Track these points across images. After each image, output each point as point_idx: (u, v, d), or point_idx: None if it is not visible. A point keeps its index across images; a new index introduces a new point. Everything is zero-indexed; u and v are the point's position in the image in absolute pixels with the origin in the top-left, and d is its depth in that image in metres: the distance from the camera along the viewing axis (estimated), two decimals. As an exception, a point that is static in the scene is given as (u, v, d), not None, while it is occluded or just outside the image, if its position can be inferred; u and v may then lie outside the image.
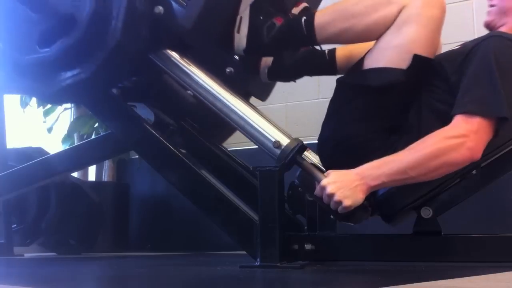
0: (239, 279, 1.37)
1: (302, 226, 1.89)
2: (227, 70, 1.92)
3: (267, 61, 1.96)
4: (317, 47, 1.88)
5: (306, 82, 2.55)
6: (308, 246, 1.70)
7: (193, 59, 1.85)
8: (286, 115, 3.14)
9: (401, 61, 1.60)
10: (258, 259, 1.62)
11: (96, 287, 1.32)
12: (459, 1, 2.76)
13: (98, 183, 3.31)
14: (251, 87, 2.04)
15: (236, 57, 1.93)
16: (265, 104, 2.24)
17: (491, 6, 1.76)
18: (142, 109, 2.05)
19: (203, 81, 1.79)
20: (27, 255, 2.57)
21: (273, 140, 1.65)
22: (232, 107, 1.73)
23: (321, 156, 1.75)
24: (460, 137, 1.50)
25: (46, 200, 2.67)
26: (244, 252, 1.75)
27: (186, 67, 1.82)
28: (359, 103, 1.66)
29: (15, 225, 2.63)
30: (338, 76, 1.82)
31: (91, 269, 1.85)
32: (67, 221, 2.73)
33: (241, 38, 1.80)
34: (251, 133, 1.70)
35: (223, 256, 2.51)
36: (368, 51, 1.68)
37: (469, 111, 1.51)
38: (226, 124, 1.78)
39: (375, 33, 1.66)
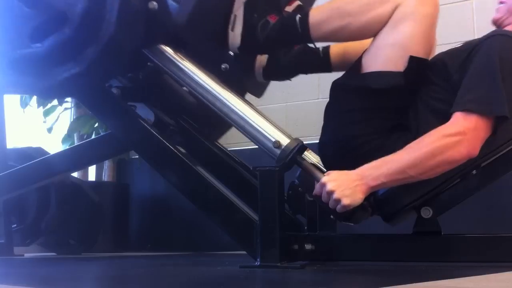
0: (239, 279, 1.36)
1: (302, 226, 1.89)
2: (222, 66, 1.93)
3: (262, 61, 1.96)
4: (311, 45, 1.88)
5: (306, 82, 2.55)
6: (308, 246, 1.70)
7: (188, 55, 1.86)
8: (286, 115, 3.14)
9: (398, 62, 1.61)
10: (258, 259, 1.62)
11: (96, 287, 1.32)
12: (459, 1, 2.76)
13: (98, 183, 3.31)
14: (246, 83, 2.05)
15: (231, 53, 1.94)
16: (265, 104, 2.24)
17: (501, 2, 1.75)
18: (142, 109, 2.04)
19: (198, 77, 1.80)
20: (27, 255, 2.57)
21: (273, 140, 1.65)
22: (232, 107, 1.73)
23: (323, 158, 1.76)
24: (457, 135, 1.50)
25: (46, 200, 2.67)
26: (244, 252, 1.75)
27: (180, 62, 1.84)
28: (359, 105, 1.66)
29: (15, 225, 2.63)
30: (336, 74, 1.82)
31: (91, 269, 1.84)
32: (67, 221, 2.73)
33: (235, 36, 1.81)
34: (251, 133, 1.70)
35: (223, 256, 2.51)
36: (365, 51, 1.69)
37: (468, 109, 1.51)
38: (223, 121, 1.79)
39: (370, 32, 1.67)
